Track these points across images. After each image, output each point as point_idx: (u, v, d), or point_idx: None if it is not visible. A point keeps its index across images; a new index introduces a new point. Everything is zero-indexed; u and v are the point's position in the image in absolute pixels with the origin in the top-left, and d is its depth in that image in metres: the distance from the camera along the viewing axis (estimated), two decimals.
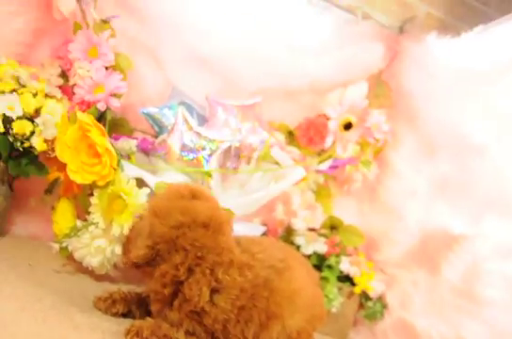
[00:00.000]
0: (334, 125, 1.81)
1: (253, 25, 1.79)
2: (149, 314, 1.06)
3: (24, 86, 1.41)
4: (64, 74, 1.54)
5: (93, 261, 1.24)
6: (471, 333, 1.43)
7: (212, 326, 0.98)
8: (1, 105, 1.33)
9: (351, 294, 1.67)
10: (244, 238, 1.14)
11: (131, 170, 1.28)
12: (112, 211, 1.21)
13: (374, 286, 1.66)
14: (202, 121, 1.55)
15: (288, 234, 1.71)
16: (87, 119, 1.21)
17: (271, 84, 1.81)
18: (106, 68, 1.39)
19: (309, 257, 1.64)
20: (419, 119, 1.79)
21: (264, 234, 1.62)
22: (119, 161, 1.24)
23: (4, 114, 1.33)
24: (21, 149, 1.36)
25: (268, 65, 1.79)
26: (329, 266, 1.66)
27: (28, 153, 1.38)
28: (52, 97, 1.45)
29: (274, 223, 1.73)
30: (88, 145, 1.22)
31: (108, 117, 1.37)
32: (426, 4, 2.21)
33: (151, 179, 1.29)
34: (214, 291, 0.98)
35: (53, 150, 1.33)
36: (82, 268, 1.29)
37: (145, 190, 1.22)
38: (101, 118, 1.35)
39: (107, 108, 1.37)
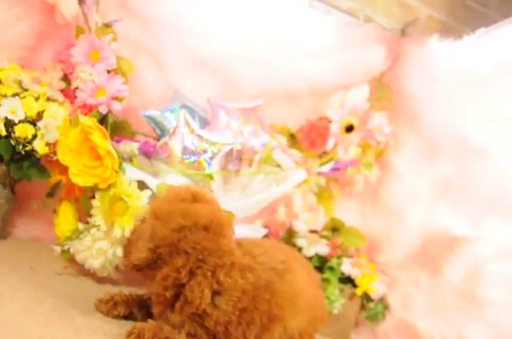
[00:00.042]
0: (336, 128, 1.82)
1: (255, 28, 1.79)
2: (150, 316, 1.06)
3: (26, 89, 1.41)
4: (66, 78, 1.54)
5: (95, 263, 1.24)
6: (472, 335, 1.43)
7: (213, 328, 0.98)
8: (3, 109, 1.34)
9: (353, 295, 1.67)
10: (245, 240, 1.14)
11: (132, 173, 1.28)
12: (114, 213, 1.21)
13: (375, 288, 1.66)
14: (204, 123, 1.55)
15: (290, 236, 1.71)
16: (88, 122, 1.21)
17: (273, 87, 1.81)
18: (108, 71, 1.39)
19: (310, 259, 1.64)
20: (421, 121, 1.80)
21: (266, 236, 1.62)
22: (120, 164, 1.24)
23: (6, 117, 1.34)
24: (23, 152, 1.37)
25: (270, 68, 1.79)
26: (331, 268, 1.66)
27: (30, 156, 1.39)
28: (54, 100, 1.45)
29: (275, 225, 1.73)
30: (90, 148, 1.22)
31: (110, 120, 1.37)
32: (428, 6, 2.22)
33: (152, 181, 1.30)
34: (215, 293, 0.98)
35: (55, 153, 1.34)
36: (84, 271, 1.29)
37: (146, 193, 1.22)
38: (102, 121, 1.35)
39: (109, 111, 1.36)
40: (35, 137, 1.36)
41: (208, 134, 1.49)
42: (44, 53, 1.58)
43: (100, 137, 1.20)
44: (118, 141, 1.42)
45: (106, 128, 1.31)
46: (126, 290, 1.15)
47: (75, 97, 1.41)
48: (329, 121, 1.83)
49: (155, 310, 1.04)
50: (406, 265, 1.68)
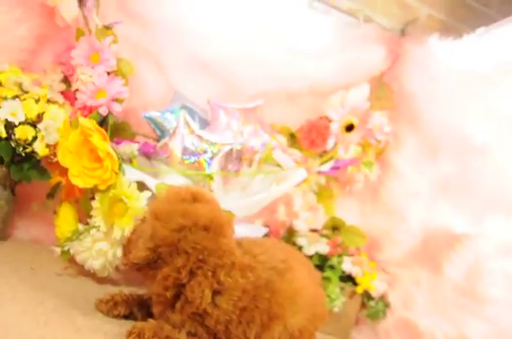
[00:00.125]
0: (336, 127, 1.82)
1: (254, 29, 1.79)
2: (150, 315, 1.07)
3: (26, 92, 1.42)
4: (66, 80, 1.55)
5: (95, 264, 1.25)
6: (473, 332, 1.43)
7: (214, 327, 0.98)
8: (4, 111, 1.34)
9: (353, 293, 1.67)
10: (245, 240, 1.14)
11: (132, 174, 1.29)
12: (113, 214, 1.22)
13: (376, 286, 1.66)
14: (204, 124, 1.55)
15: (290, 236, 1.72)
16: (88, 124, 1.22)
17: (273, 87, 1.81)
18: (108, 73, 1.40)
19: (311, 258, 1.65)
20: (421, 120, 1.80)
21: (266, 235, 1.63)
22: (120, 165, 1.25)
23: (6, 119, 1.34)
24: (23, 154, 1.37)
25: (270, 68, 1.80)
26: (331, 267, 1.66)
27: (30, 157, 1.40)
28: (54, 102, 1.46)
29: (276, 225, 1.74)
30: (90, 150, 1.23)
31: (110, 121, 1.37)
32: (428, 6, 2.22)
33: (152, 182, 1.30)
34: (216, 293, 0.98)
35: (55, 155, 1.34)
36: (84, 271, 1.30)
37: (146, 194, 1.22)
38: (103, 122, 1.36)
39: (109, 113, 1.37)
40: (35, 138, 1.37)
41: (208, 134, 1.50)
42: (44, 55, 1.58)
43: (99, 139, 1.21)
44: (118, 143, 1.43)
45: (107, 129, 1.32)
46: (126, 290, 1.16)
47: (76, 99, 1.41)
48: (330, 121, 1.83)
49: (156, 310, 1.05)
50: (406, 263, 1.69)
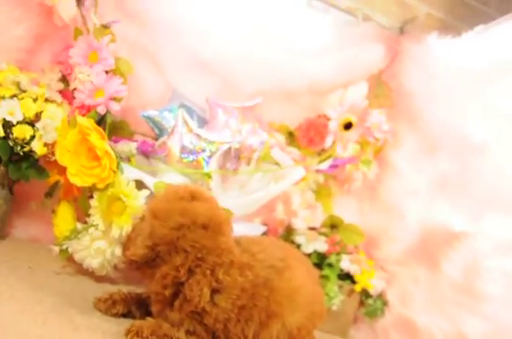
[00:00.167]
0: (334, 125, 1.82)
1: (253, 28, 1.79)
2: (149, 314, 1.07)
3: (24, 91, 1.42)
4: (64, 79, 1.55)
5: (93, 262, 1.25)
6: (471, 329, 1.43)
7: (213, 325, 0.98)
8: (1, 111, 1.35)
9: (351, 292, 1.67)
10: (244, 238, 1.14)
11: (131, 173, 1.28)
12: (111, 213, 1.22)
13: (374, 284, 1.66)
14: (203, 123, 1.55)
15: (288, 234, 1.72)
16: (86, 123, 1.22)
17: (271, 85, 1.81)
18: (107, 72, 1.40)
19: (309, 256, 1.65)
20: (419, 118, 1.80)
21: (265, 233, 1.63)
22: (118, 164, 1.25)
23: (4, 119, 1.34)
24: (21, 153, 1.37)
25: (268, 67, 1.80)
26: (330, 265, 1.66)
27: (28, 157, 1.40)
28: (52, 102, 1.46)
29: (274, 223, 1.74)
30: (88, 148, 1.23)
31: (108, 120, 1.37)
32: (426, 4, 2.22)
33: (150, 181, 1.30)
34: (214, 291, 0.98)
35: (53, 153, 1.35)
36: (82, 270, 1.30)
37: (144, 192, 1.22)
38: (101, 121, 1.36)
39: (107, 112, 1.37)
40: (33, 137, 1.37)
41: (206, 133, 1.49)
42: (43, 54, 1.59)
43: (98, 138, 1.21)
44: (116, 141, 1.43)
45: (105, 128, 1.32)
46: (125, 289, 1.16)
47: (74, 98, 1.42)
48: (328, 119, 1.84)
49: (154, 308, 1.05)
50: (404, 261, 1.69)
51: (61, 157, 1.26)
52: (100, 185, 1.23)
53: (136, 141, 1.49)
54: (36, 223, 1.55)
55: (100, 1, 1.46)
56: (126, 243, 1.09)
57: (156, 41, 1.68)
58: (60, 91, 1.52)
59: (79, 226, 1.28)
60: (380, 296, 1.69)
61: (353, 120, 1.82)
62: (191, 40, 1.71)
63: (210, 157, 1.47)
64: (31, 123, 1.38)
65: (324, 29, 1.90)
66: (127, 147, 1.39)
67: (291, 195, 1.75)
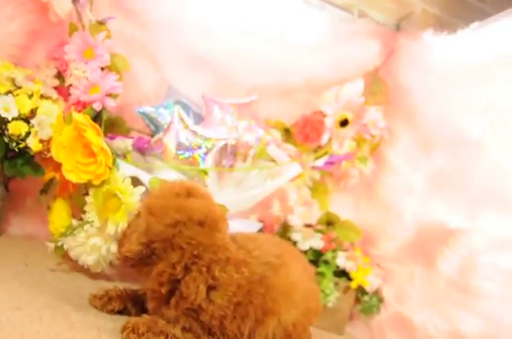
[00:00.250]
0: (330, 122, 1.82)
1: (249, 24, 1.79)
2: (144, 311, 1.07)
3: (19, 87, 1.41)
4: (60, 75, 1.54)
5: (89, 259, 1.25)
6: (467, 326, 1.43)
7: (209, 322, 0.99)
8: None
9: (347, 289, 1.67)
10: (240, 235, 1.14)
11: (126, 169, 1.28)
12: (107, 210, 1.22)
13: (370, 281, 1.66)
14: (199, 119, 1.55)
15: (284, 231, 1.72)
16: (82, 119, 1.22)
17: (267, 82, 1.81)
18: (102, 68, 1.39)
19: (305, 253, 1.65)
20: (416, 115, 1.79)
21: (261, 230, 1.63)
22: (114, 160, 1.25)
23: None
24: (16, 149, 1.37)
25: (264, 63, 1.80)
26: (326, 262, 1.66)
27: (24, 153, 1.39)
28: (47, 98, 1.45)
29: (270, 220, 1.74)
30: (84, 145, 1.23)
31: (104, 117, 1.37)
32: (422, 1, 2.21)
33: (146, 178, 1.30)
34: (210, 288, 0.99)
35: (48, 150, 1.34)
36: (77, 267, 1.30)
37: (140, 189, 1.22)
38: (96, 117, 1.36)
39: (103, 108, 1.37)
40: (28, 134, 1.36)
41: (202, 129, 1.50)
42: (38, 51, 1.58)
43: (93, 134, 1.21)
44: (112, 138, 1.43)
45: (100, 125, 1.31)
46: (120, 285, 1.16)
47: (69, 94, 1.41)
48: (324, 116, 1.83)
49: (150, 305, 1.05)
50: (400, 258, 1.69)
51: (57, 154, 1.26)
52: (95, 182, 1.23)
53: (132, 138, 1.49)
54: (32, 220, 1.55)
55: None
56: (121, 240, 1.09)
57: (152, 38, 1.68)
58: (56, 88, 1.52)
59: (74, 223, 1.28)
60: (376, 293, 1.69)
61: (349, 116, 1.82)
62: (187, 37, 1.71)
63: (206, 154, 1.47)
64: (26, 120, 1.37)
65: (319, 26, 1.89)
66: (123, 143, 1.39)
67: (287, 192, 1.74)
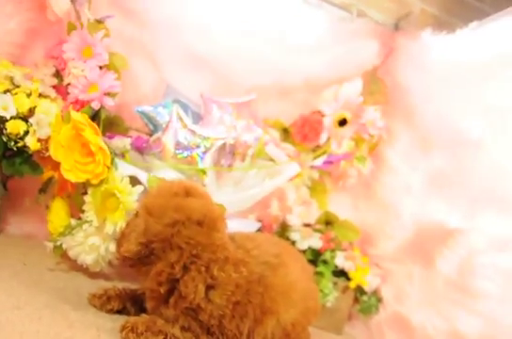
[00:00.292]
0: (329, 122, 1.82)
1: (248, 24, 1.79)
2: (143, 310, 1.07)
3: (17, 86, 1.42)
4: (58, 74, 1.54)
5: (88, 258, 1.25)
6: (466, 326, 1.43)
7: (207, 321, 0.98)
8: None
9: (346, 288, 1.67)
10: (238, 234, 1.14)
11: (125, 169, 1.28)
12: (105, 209, 1.22)
13: (368, 281, 1.66)
14: (197, 118, 1.55)
15: (283, 230, 1.72)
16: (80, 118, 1.22)
17: (266, 81, 1.81)
18: (101, 67, 1.39)
19: (304, 252, 1.64)
20: (415, 115, 1.79)
21: (259, 230, 1.63)
22: (112, 159, 1.24)
23: None
24: (14, 148, 1.37)
25: (263, 63, 1.80)
26: (324, 261, 1.66)
27: (22, 152, 1.39)
28: (46, 97, 1.45)
29: (269, 219, 1.73)
30: (82, 144, 1.22)
31: (102, 116, 1.37)
32: (421, 0, 2.21)
33: (145, 177, 1.30)
34: (209, 288, 0.99)
35: (47, 149, 1.34)
36: (76, 266, 1.30)
37: (139, 188, 1.22)
38: (95, 117, 1.35)
39: (101, 107, 1.36)
40: (27, 133, 1.37)
41: (201, 129, 1.50)
42: (36, 49, 1.58)
43: (92, 134, 1.21)
44: (110, 137, 1.43)
45: (99, 124, 1.31)
46: (119, 285, 1.16)
47: (67, 93, 1.41)
48: (322, 115, 1.83)
49: (149, 305, 1.05)
50: (399, 258, 1.69)
51: (55, 153, 1.26)
52: (94, 181, 1.22)
53: (131, 137, 1.49)
54: (30, 220, 1.55)
55: None
56: (120, 239, 1.09)
57: (152, 37, 1.68)
58: (54, 86, 1.52)
59: (73, 222, 1.27)
60: (375, 292, 1.69)
61: (348, 116, 1.81)
62: (186, 36, 1.71)
63: (204, 153, 1.47)
64: (25, 119, 1.37)
65: (318, 25, 1.89)
66: (121, 143, 1.39)
67: (286, 191, 1.74)
